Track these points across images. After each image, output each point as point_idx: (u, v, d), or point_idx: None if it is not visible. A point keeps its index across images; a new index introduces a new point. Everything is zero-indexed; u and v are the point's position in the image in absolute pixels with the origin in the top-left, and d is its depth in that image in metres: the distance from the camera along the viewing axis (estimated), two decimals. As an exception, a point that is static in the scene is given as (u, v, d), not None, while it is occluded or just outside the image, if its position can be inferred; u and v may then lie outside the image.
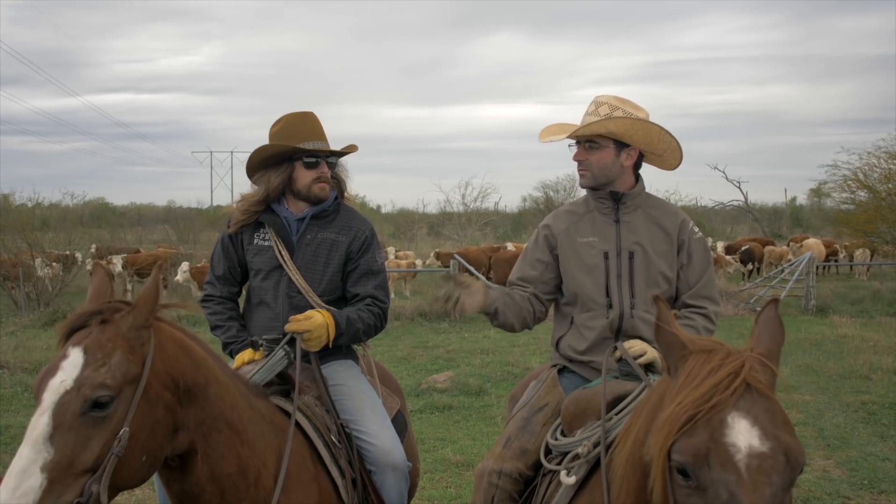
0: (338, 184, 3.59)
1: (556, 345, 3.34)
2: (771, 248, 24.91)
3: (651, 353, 2.96)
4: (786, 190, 53.50)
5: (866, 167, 24.57)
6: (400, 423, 3.50)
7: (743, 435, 1.83)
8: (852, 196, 25.79)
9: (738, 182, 40.40)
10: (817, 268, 19.47)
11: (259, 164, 3.43)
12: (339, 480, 3.03)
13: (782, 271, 19.31)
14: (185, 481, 2.58)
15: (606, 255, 3.18)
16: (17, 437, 7.45)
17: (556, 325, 3.39)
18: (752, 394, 1.88)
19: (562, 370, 3.30)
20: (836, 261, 25.27)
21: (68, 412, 2.19)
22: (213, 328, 3.48)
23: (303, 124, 3.43)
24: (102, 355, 2.29)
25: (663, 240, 3.18)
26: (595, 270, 3.19)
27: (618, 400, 2.81)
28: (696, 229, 3.26)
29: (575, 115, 3.37)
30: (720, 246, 26.55)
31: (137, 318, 2.39)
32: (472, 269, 17.95)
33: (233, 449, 2.61)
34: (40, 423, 2.18)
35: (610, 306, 3.16)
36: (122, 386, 2.28)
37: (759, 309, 13.22)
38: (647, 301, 3.15)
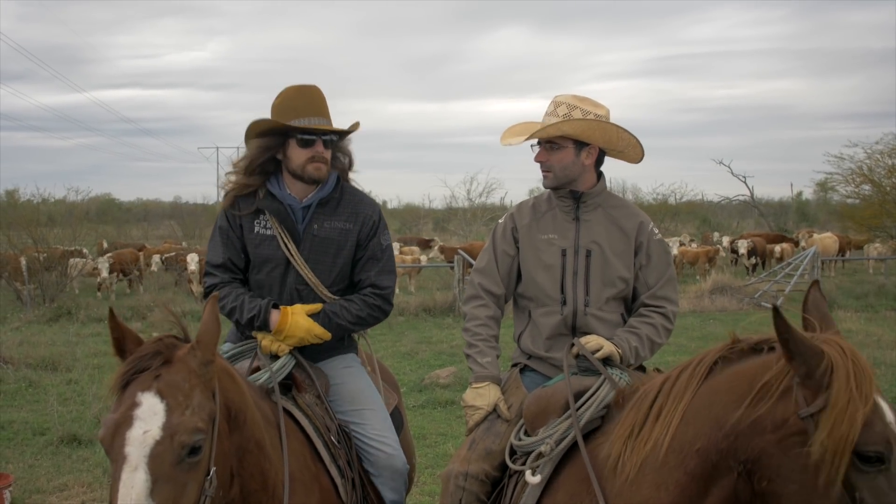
0: (341, 163, 3.39)
1: (518, 340, 3.36)
2: (781, 245, 24.71)
3: (608, 348, 2.99)
4: (792, 184, 53.11)
5: (870, 161, 24.48)
6: (396, 419, 3.48)
7: (889, 413, 2.07)
8: (857, 190, 25.70)
9: (744, 177, 40.20)
10: (823, 262, 19.45)
11: (254, 139, 3.26)
12: (338, 481, 3.02)
13: (788, 265, 19.27)
14: None
15: (564, 253, 3.20)
16: (19, 432, 7.50)
17: (515, 321, 3.40)
18: None
19: (523, 369, 3.31)
20: (843, 256, 25.17)
21: (164, 463, 2.10)
22: (231, 312, 3.22)
23: (300, 98, 3.22)
24: (183, 398, 2.19)
25: (621, 240, 3.21)
26: (552, 267, 3.21)
27: (579, 395, 2.83)
28: (656, 231, 3.30)
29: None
30: (725, 241, 26.46)
31: (206, 354, 2.31)
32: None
33: (259, 466, 2.58)
34: (137, 479, 2.06)
35: (564, 303, 3.18)
36: (209, 426, 2.23)
37: (764, 304, 13.16)
38: (601, 299, 3.18)
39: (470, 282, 3.40)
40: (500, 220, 3.40)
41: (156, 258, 21.29)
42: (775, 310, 2.20)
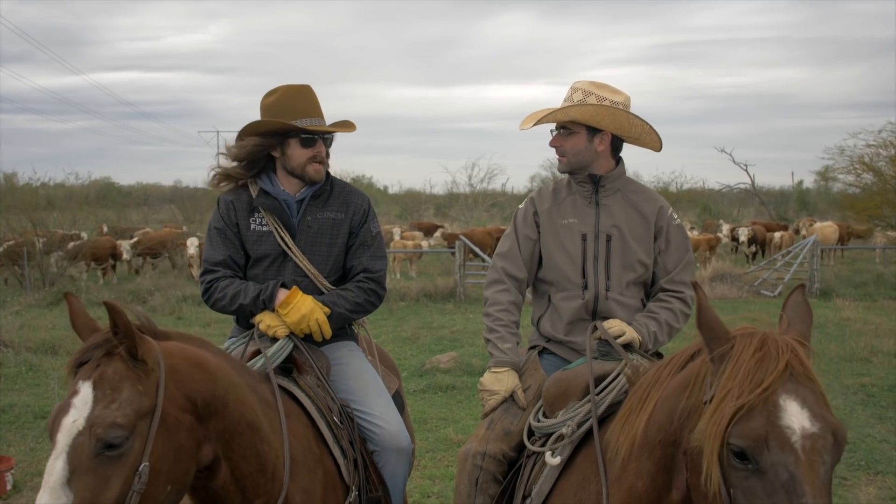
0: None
1: (537, 324, 3.37)
2: (780, 233, 24.70)
3: (630, 334, 3.01)
4: (793, 173, 53.11)
5: (872, 151, 24.43)
6: (397, 403, 3.48)
7: (796, 417, 1.90)
8: (858, 179, 25.66)
9: (745, 165, 40.18)
10: (823, 251, 19.48)
11: (253, 137, 3.28)
12: (341, 461, 3.03)
13: (787, 253, 19.30)
14: (209, 488, 2.53)
15: (584, 237, 3.23)
16: (20, 415, 7.55)
17: (535, 304, 3.42)
18: (798, 376, 1.96)
19: (542, 352, 3.33)
20: (842, 244, 25.16)
21: (83, 454, 2.10)
22: (233, 297, 3.22)
23: (300, 98, 3.30)
24: (111, 390, 2.19)
25: (641, 224, 3.23)
26: (573, 252, 3.23)
27: (598, 380, 2.84)
28: (676, 216, 3.32)
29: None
30: (725, 228, 26.46)
31: (131, 348, 2.26)
32: (477, 249, 17.96)
33: (253, 448, 2.58)
34: (56, 467, 2.08)
35: (585, 287, 3.21)
36: (135, 422, 2.18)
37: (764, 292, 13.16)
38: (621, 283, 3.21)
39: (492, 266, 3.42)
40: (520, 205, 3.43)
41: (125, 244, 19.99)
42: (695, 286, 2.17)
